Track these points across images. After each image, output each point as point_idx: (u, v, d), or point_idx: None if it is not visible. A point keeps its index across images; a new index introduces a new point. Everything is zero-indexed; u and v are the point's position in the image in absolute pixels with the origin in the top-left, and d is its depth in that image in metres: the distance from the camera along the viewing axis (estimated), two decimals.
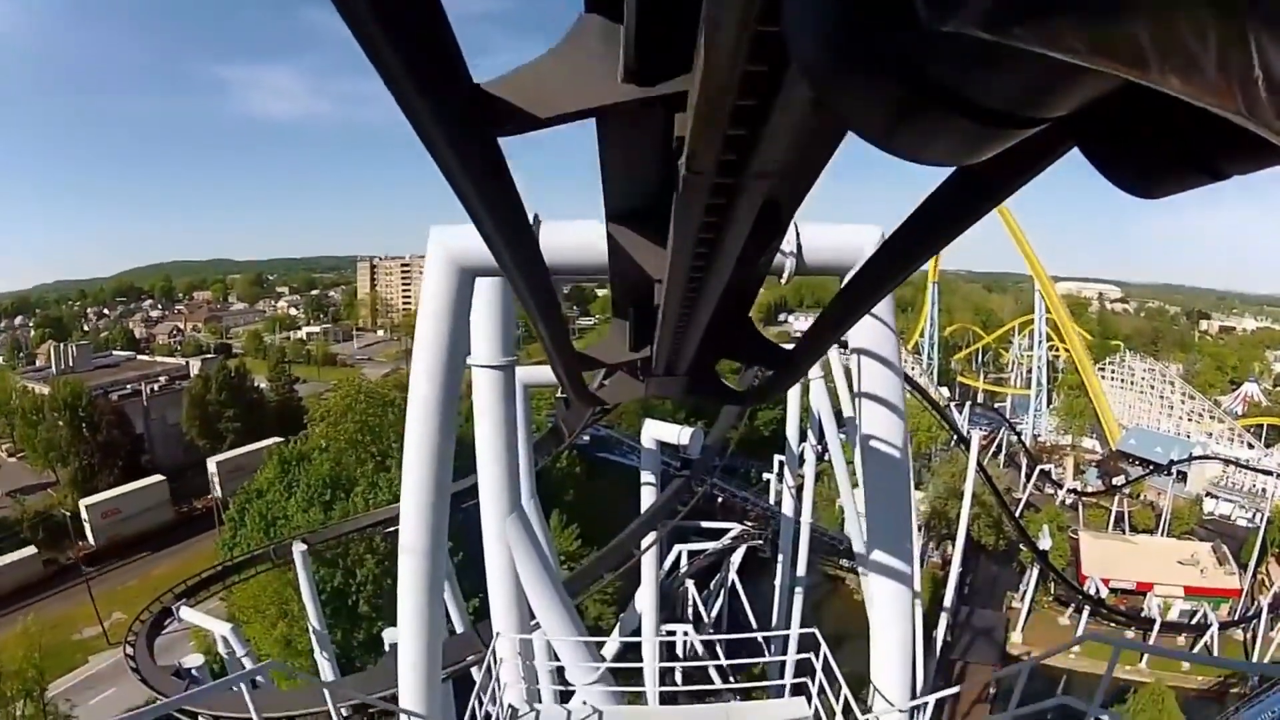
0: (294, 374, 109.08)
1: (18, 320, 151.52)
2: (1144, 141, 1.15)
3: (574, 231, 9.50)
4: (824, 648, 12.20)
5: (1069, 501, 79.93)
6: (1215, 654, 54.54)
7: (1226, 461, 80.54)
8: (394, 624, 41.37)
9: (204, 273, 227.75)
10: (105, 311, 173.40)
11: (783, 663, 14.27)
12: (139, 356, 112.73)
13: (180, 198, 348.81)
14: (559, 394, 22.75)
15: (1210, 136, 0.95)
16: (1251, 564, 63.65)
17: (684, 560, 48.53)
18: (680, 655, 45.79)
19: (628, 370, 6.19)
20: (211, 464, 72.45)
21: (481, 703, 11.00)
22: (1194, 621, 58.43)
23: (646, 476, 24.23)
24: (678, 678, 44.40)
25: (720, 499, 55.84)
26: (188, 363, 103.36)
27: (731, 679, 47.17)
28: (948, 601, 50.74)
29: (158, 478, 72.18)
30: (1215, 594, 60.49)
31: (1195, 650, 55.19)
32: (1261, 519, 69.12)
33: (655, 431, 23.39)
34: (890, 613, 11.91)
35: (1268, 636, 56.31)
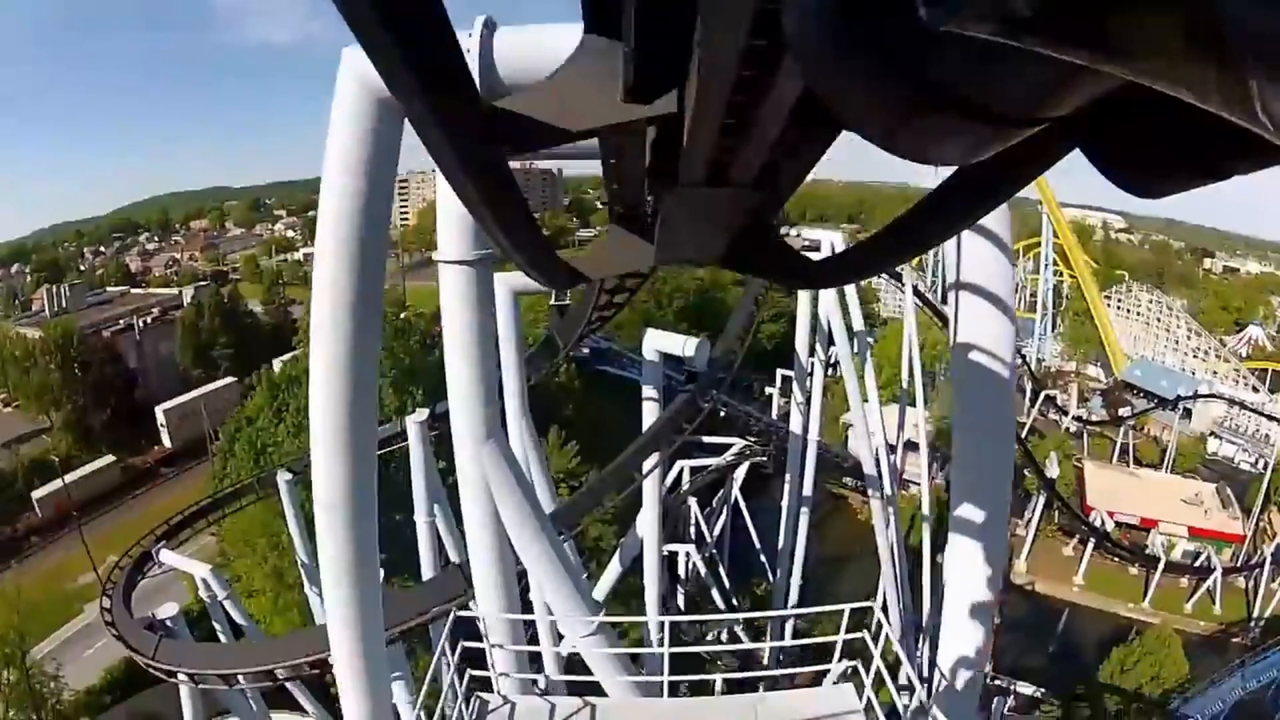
0: (290, 295, 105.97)
1: (14, 269, 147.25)
2: (1144, 141, 1.14)
3: (540, 42, 7.49)
4: (887, 627, 10.00)
5: (1073, 429, 78.10)
6: (1219, 599, 54.91)
7: (1233, 403, 79.00)
8: (391, 550, 38.93)
9: (202, 202, 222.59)
10: (102, 250, 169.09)
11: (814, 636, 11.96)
12: (133, 290, 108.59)
13: (175, 130, 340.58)
14: (553, 300, 20.11)
15: (1210, 136, 0.95)
16: (1255, 510, 62.26)
17: (685, 477, 46.31)
18: (682, 577, 44.13)
19: (625, 211, 4.05)
20: (159, 412, 69.65)
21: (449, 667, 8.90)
22: (1197, 564, 57.37)
23: (648, 391, 21.68)
24: (680, 600, 42.81)
25: (723, 413, 53.77)
26: (181, 292, 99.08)
27: (735, 600, 45.66)
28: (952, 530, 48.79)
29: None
30: (1219, 537, 59.55)
31: (1197, 595, 55.61)
32: (1266, 467, 67.01)
33: (657, 342, 20.78)
34: (972, 587, 9.74)
35: (1269, 589, 55.02)
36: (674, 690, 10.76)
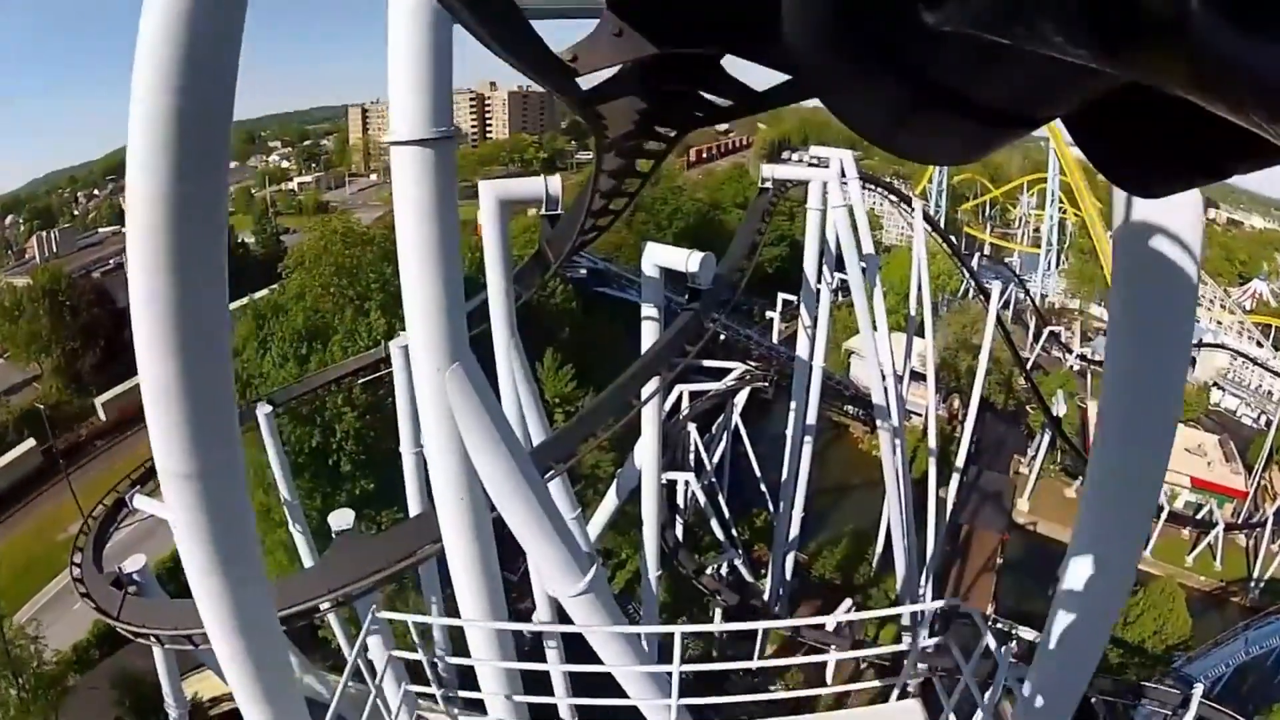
0: (283, 225, 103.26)
1: (8, 220, 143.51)
2: (1144, 140, 1.07)
3: None
4: (989, 638, 7.64)
5: (1076, 368, 76.85)
6: (1219, 555, 54.27)
7: (1237, 354, 77.65)
8: (378, 481, 36.72)
9: None
10: (95, 193, 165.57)
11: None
12: (123, 229, 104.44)
13: None
14: (541, 211, 17.83)
15: (1211, 135, 0.91)
16: (1258, 467, 60.99)
17: (685, 402, 44.78)
18: (681, 506, 42.69)
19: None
20: (99, 406, 65.28)
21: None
22: (1199, 516, 56.87)
23: (648, 310, 19.44)
24: (678, 531, 41.37)
25: (723, 337, 51.90)
26: None
27: (735, 530, 44.27)
28: (958, 462, 47.83)
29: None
30: (1221, 490, 58.74)
31: (1198, 549, 54.93)
32: (1270, 424, 65.50)
33: (658, 256, 18.54)
34: (1103, 582, 7.14)
35: (1270, 550, 54.27)
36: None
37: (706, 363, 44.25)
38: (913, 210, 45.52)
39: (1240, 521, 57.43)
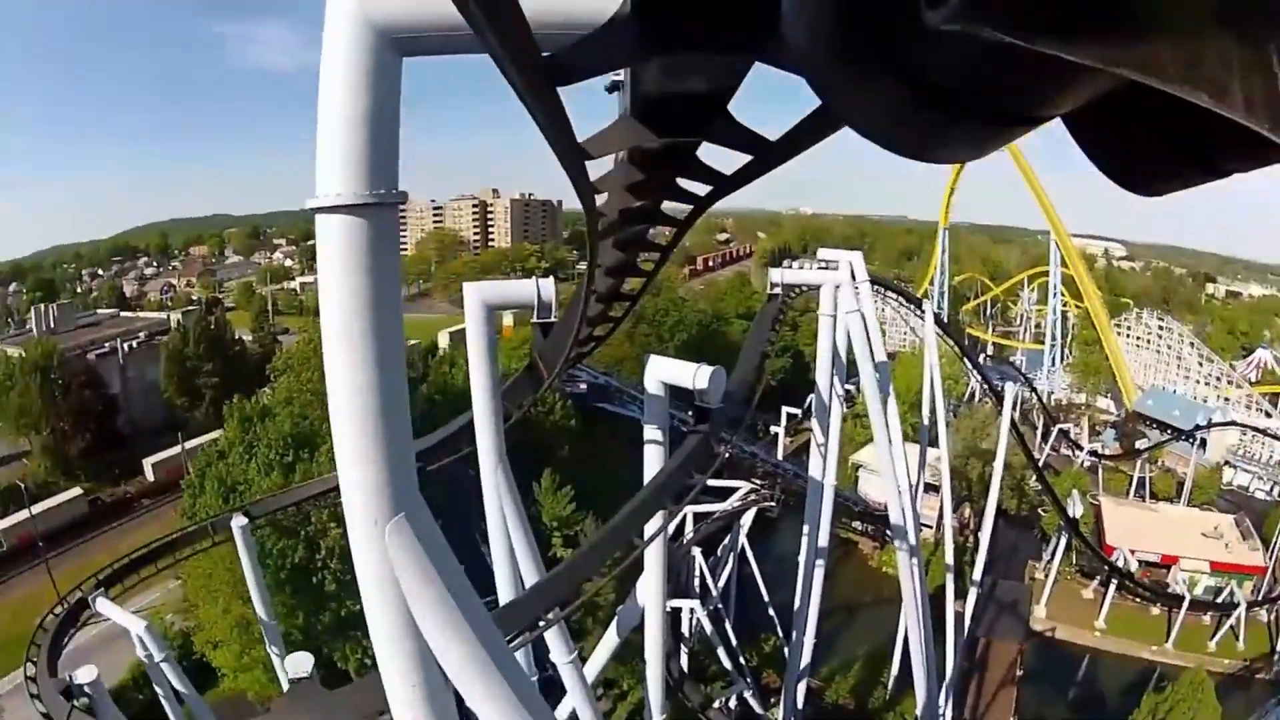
0: (282, 324, 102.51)
1: (11, 287, 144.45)
2: (1144, 139, 1.12)
3: None
4: None
5: (1086, 464, 74.56)
6: (1242, 635, 52.40)
7: (1250, 429, 76.03)
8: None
9: (202, 229, 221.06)
10: (99, 272, 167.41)
11: None
12: (122, 314, 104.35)
13: (178, 154, 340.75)
14: (533, 319, 16.05)
15: (1211, 134, 0.97)
16: (1276, 541, 58.68)
17: (689, 524, 42.69)
18: (686, 634, 40.19)
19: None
20: (148, 466, 65.01)
21: None
22: (1220, 599, 54.70)
23: (651, 431, 17.39)
24: (683, 660, 38.85)
25: (727, 454, 49.82)
26: (169, 317, 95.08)
27: (743, 658, 41.71)
28: (976, 574, 45.47)
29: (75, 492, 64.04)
30: (1240, 570, 56.47)
31: (1221, 633, 52.65)
32: None
33: (662, 372, 16.63)
34: None
35: None
36: None
37: (711, 481, 42.41)
38: (922, 314, 43.98)
39: (1261, 598, 55.53)
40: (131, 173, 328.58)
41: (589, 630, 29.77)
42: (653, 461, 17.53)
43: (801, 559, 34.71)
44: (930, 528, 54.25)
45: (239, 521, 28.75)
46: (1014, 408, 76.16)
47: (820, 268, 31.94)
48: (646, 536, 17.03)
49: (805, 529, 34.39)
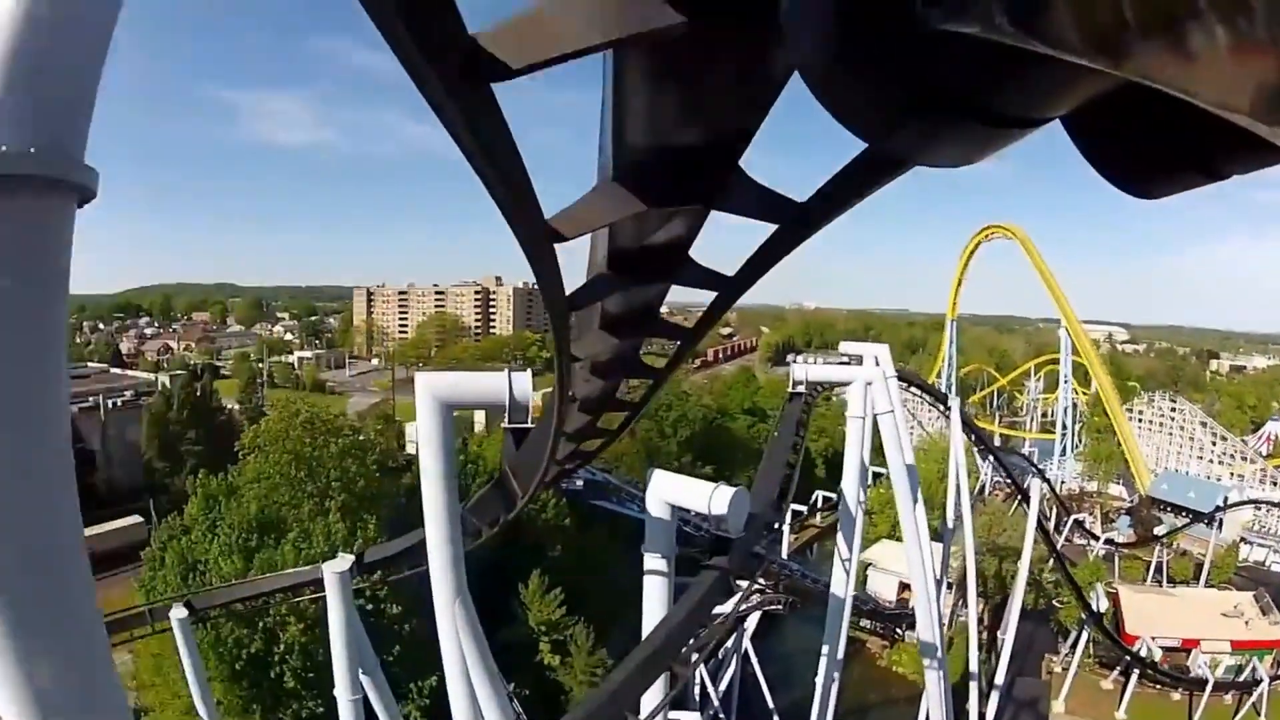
0: (272, 397, 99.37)
1: None
2: (1143, 141, 1.11)
3: None
4: None
5: (1102, 553, 70.89)
6: (1264, 710, 49.41)
7: (1261, 504, 74.95)
8: (328, 705, 31.26)
9: (207, 295, 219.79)
10: (100, 326, 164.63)
11: None
12: (112, 370, 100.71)
13: (189, 221, 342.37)
14: (504, 423, 12.07)
15: (1209, 136, 0.96)
16: None
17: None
18: None
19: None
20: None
21: None
22: (1242, 678, 52.05)
23: (654, 560, 13.60)
24: None
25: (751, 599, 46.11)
26: (157, 378, 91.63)
27: None
28: (999, 678, 42.74)
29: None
30: (1261, 646, 54.00)
31: (1243, 711, 50.17)
32: None
33: (669, 490, 12.85)
34: None
35: None
36: None
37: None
38: (948, 410, 40.27)
39: None
40: (141, 232, 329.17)
41: None
42: (655, 598, 13.73)
43: (820, 673, 30.55)
44: (942, 625, 50.66)
45: (178, 614, 24.67)
46: (1027, 500, 73.86)
47: (843, 363, 28.36)
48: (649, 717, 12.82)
49: (825, 643, 30.49)
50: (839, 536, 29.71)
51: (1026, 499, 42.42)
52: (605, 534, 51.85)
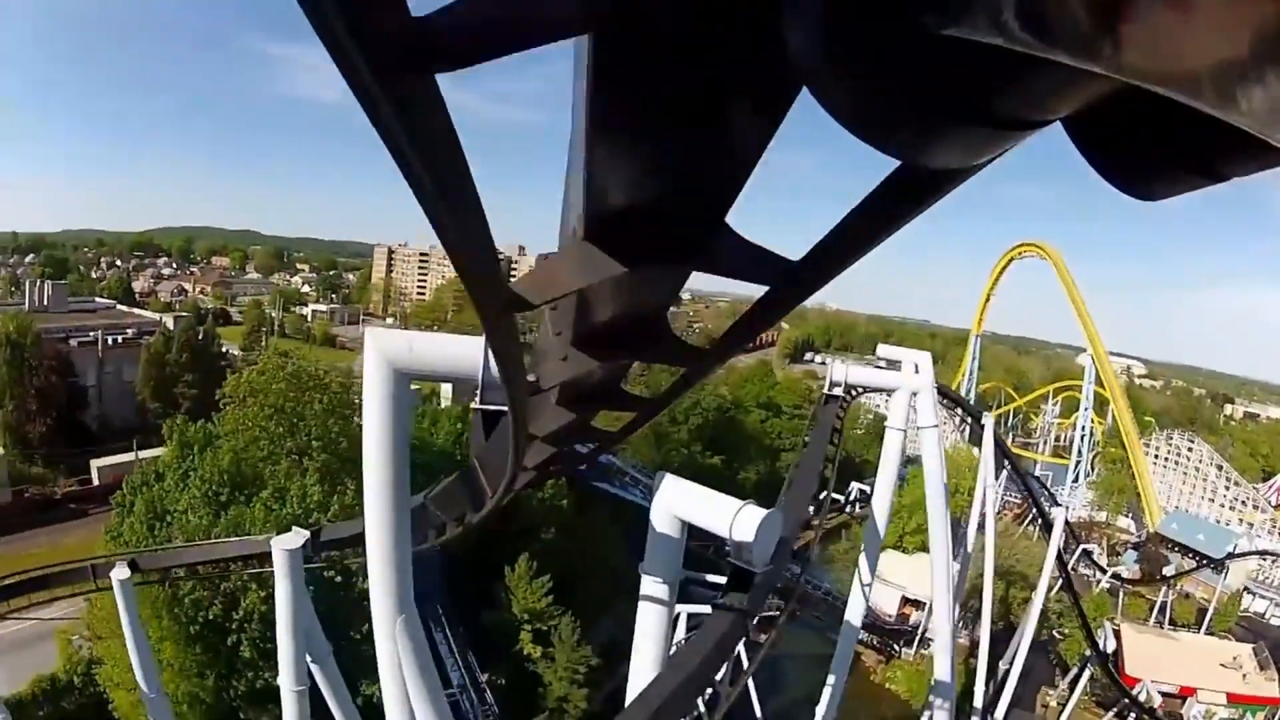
0: (280, 348, 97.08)
1: (28, 258, 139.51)
2: (1143, 143, 1.10)
3: None
4: None
5: (1106, 587, 68.81)
6: None
7: (1266, 554, 72.83)
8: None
9: (229, 241, 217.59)
10: (118, 263, 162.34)
11: None
12: (119, 306, 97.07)
13: (218, 166, 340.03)
14: (475, 403, 8.89)
15: (1209, 138, 0.96)
16: None
17: (683, 626, 35.28)
18: None
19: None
20: (95, 468, 59.00)
21: None
22: None
23: (652, 585, 10.70)
24: None
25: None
26: (162, 319, 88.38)
27: None
28: (1000, 712, 41.14)
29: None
30: (1257, 702, 53.30)
31: None
32: None
33: (678, 501, 9.89)
34: None
35: None
36: None
37: (710, 577, 35.63)
38: (981, 428, 37.03)
39: None
40: (168, 174, 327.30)
41: None
42: (650, 633, 10.81)
43: (831, 681, 27.94)
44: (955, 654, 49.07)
45: (120, 573, 21.95)
46: (1034, 523, 71.41)
47: (879, 367, 25.43)
48: None
49: (836, 655, 28.25)
50: (862, 557, 26.80)
51: (1048, 527, 39.88)
52: (604, 518, 48.42)
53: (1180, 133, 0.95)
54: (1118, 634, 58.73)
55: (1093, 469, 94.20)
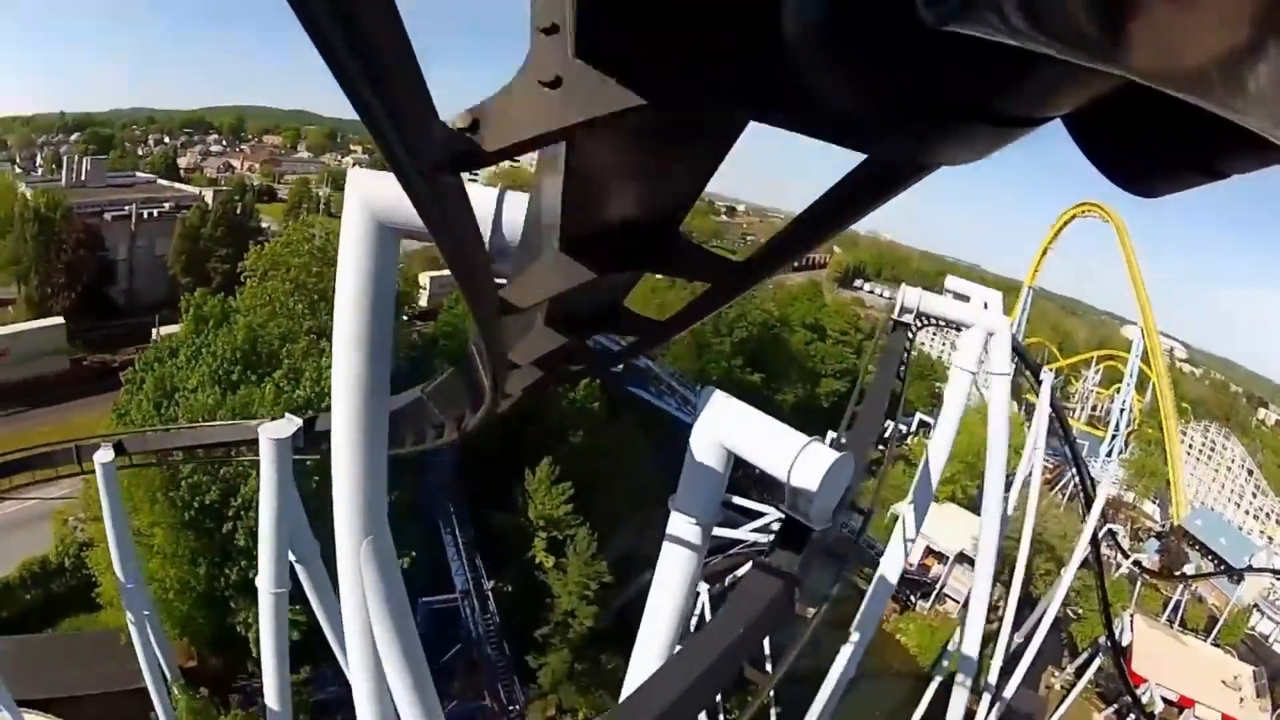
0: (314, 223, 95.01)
1: (74, 136, 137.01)
2: (1144, 140, 1.11)
3: None
4: None
5: (1125, 572, 65.97)
6: None
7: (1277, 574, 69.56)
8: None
9: (282, 120, 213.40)
10: (166, 140, 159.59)
11: None
12: (159, 181, 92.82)
13: (272, 43, 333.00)
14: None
15: (1210, 135, 0.97)
16: None
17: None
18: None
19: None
20: (155, 334, 56.18)
21: None
22: None
23: (682, 524, 8.73)
24: None
25: (759, 471, 41.57)
26: (201, 193, 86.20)
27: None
28: (1010, 690, 38.71)
29: (56, 320, 57.42)
30: None
31: None
32: None
33: (727, 426, 7.99)
34: None
35: None
36: None
37: (735, 499, 34.00)
38: (1039, 384, 34.29)
39: None
40: (221, 52, 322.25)
41: None
42: (668, 583, 8.81)
43: (849, 646, 26.07)
44: (956, 602, 52.15)
45: (103, 456, 20.36)
46: (1063, 492, 69.41)
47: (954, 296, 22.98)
48: None
49: (862, 610, 26.84)
50: (909, 508, 25.25)
51: (1088, 501, 37.83)
52: (636, 426, 46.38)
53: (1181, 130, 0.95)
54: (1132, 627, 57.81)
55: (1126, 446, 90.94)
